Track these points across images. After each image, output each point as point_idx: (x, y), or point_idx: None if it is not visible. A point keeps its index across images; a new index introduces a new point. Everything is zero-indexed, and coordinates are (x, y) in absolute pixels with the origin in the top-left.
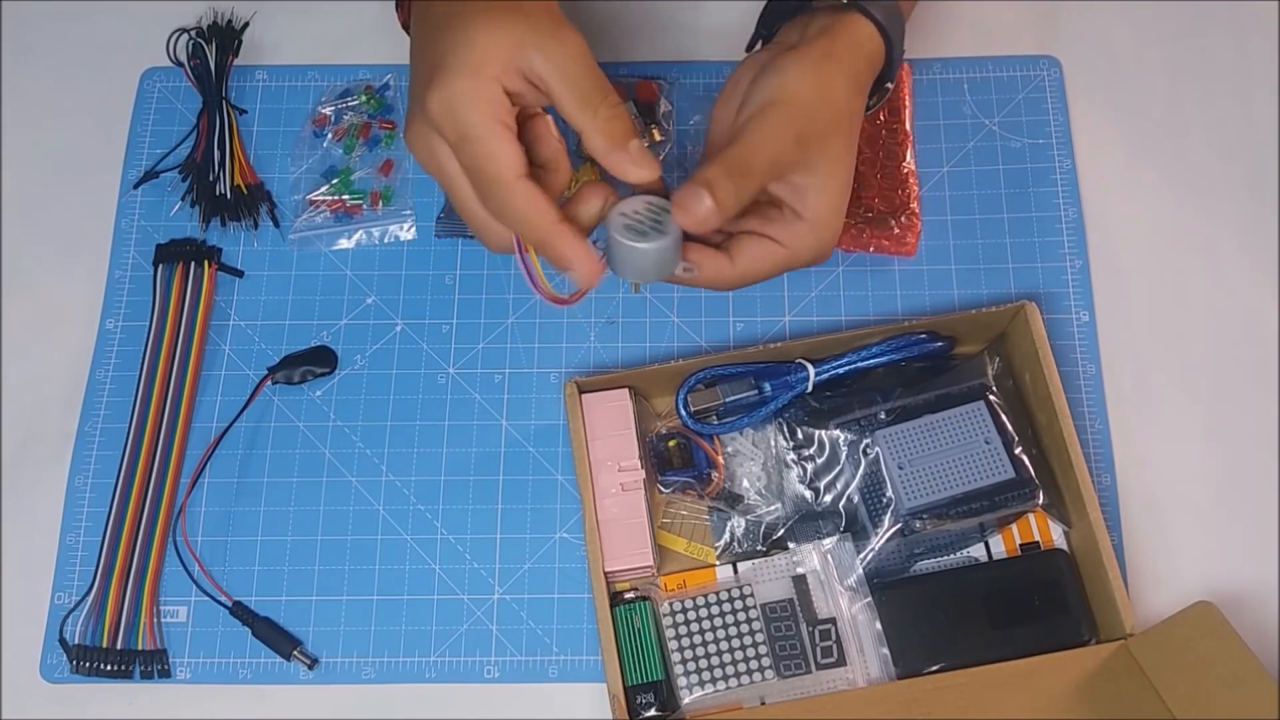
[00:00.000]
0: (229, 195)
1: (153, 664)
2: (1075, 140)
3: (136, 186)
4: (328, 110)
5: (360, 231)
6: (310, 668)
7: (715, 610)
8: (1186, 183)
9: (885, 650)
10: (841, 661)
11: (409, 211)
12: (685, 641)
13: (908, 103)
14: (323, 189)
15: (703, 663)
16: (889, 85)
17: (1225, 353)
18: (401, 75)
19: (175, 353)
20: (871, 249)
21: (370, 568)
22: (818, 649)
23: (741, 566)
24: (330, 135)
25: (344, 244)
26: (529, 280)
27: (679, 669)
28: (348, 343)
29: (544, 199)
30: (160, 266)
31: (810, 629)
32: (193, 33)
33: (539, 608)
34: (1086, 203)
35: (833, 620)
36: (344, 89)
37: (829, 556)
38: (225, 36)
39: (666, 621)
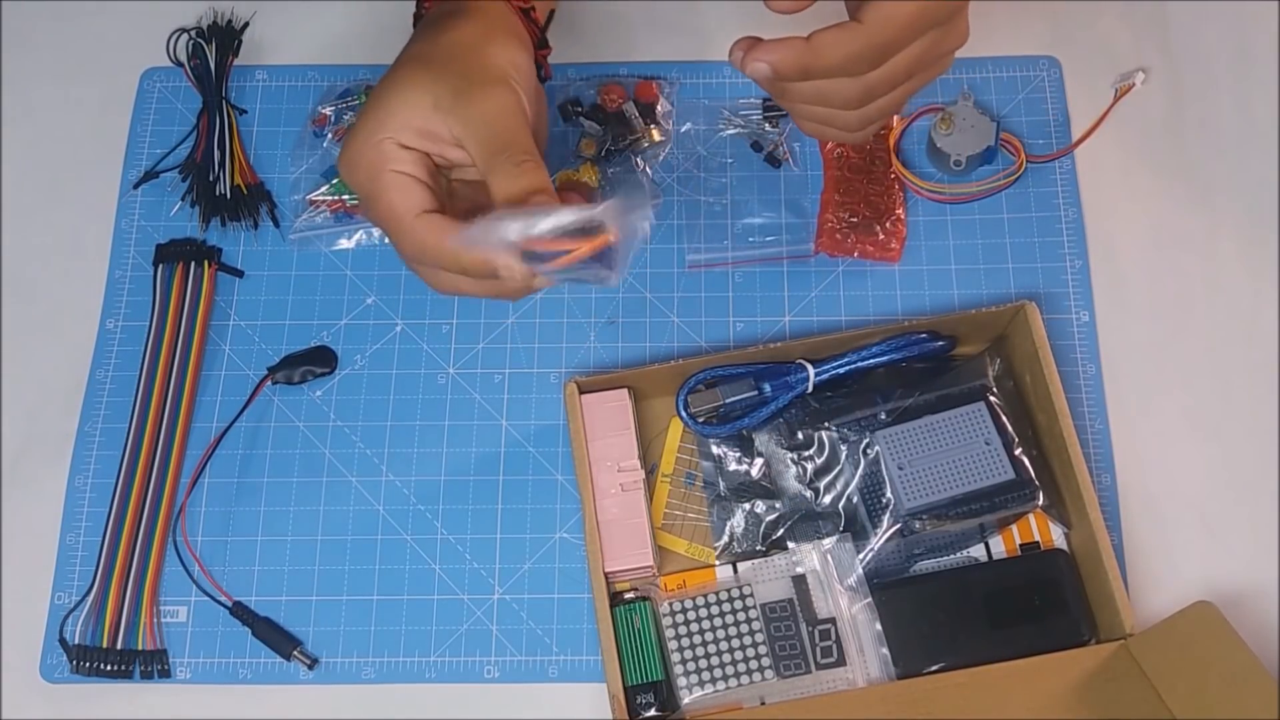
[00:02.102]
0: (229, 195)
1: (153, 664)
2: (1075, 140)
3: (136, 186)
4: (328, 110)
5: (360, 231)
6: (310, 668)
7: (715, 610)
8: (1186, 183)
9: (885, 650)
10: (841, 661)
11: None
12: (685, 641)
13: None
14: (323, 189)
15: (702, 663)
16: None
17: (1225, 352)
18: None
19: (175, 353)
20: (856, 254)
21: (370, 568)
22: (817, 649)
23: (741, 566)
24: (330, 135)
25: (344, 244)
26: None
27: (679, 669)
28: (348, 343)
29: (448, 223)
30: (160, 266)
31: (810, 629)
32: (193, 33)
33: (539, 608)
34: (1086, 203)
35: (832, 620)
36: (344, 89)
37: (829, 556)
38: (225, 36)
39: (666, 621)
